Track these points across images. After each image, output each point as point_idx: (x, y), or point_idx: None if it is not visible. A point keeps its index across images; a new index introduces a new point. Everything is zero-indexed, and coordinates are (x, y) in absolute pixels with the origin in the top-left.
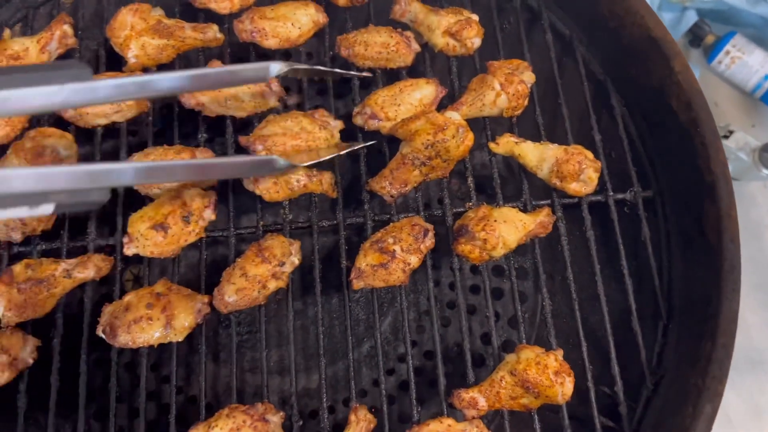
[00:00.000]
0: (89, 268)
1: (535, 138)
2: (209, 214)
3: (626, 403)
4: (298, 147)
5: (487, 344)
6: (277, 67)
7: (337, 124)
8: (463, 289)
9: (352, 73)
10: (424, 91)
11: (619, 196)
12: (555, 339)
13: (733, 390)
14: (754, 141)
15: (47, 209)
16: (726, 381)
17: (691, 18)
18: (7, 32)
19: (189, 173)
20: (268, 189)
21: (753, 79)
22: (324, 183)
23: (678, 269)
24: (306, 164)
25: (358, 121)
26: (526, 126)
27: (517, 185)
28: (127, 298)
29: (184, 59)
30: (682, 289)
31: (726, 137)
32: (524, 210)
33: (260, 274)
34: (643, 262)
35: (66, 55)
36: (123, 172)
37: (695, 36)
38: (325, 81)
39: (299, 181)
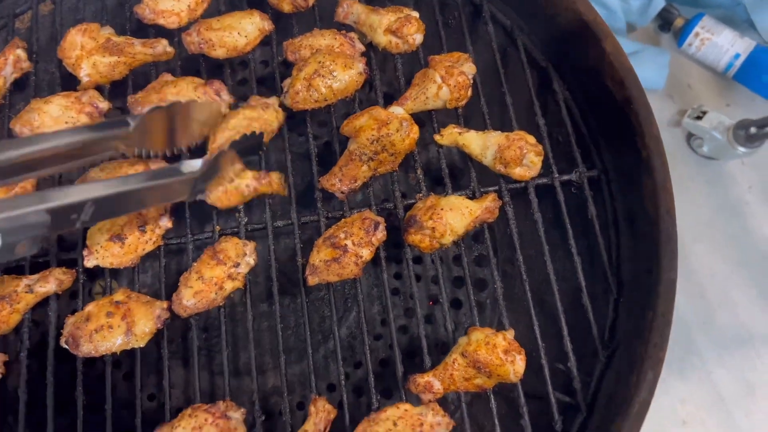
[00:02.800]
0: (51, 282)
1: (484, 128)
2: (165, 222)
3: (580, 377)
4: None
5: (456, 333)
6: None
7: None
8: (425, 279)
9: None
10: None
11: (565, 177)
12: (510, 319)
13: (724, 368)
14: (727, 119)
15: None
16: (666, 348)
17: (659, 3)
18: None
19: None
20: (219, 198)
21: (724, 58)
22: (273, 183)
23: (625, 245)
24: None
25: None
26: (475, 117)
27: (456, 176)
28: (88, 308)
29: (139, 75)
30: (629, 263)
31: (699, 118)
32: (472, 197)
33: (216, 276)
34: (594, 240)
35: (22, 79)
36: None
37: (664, 20)
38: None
39: (249, 185)
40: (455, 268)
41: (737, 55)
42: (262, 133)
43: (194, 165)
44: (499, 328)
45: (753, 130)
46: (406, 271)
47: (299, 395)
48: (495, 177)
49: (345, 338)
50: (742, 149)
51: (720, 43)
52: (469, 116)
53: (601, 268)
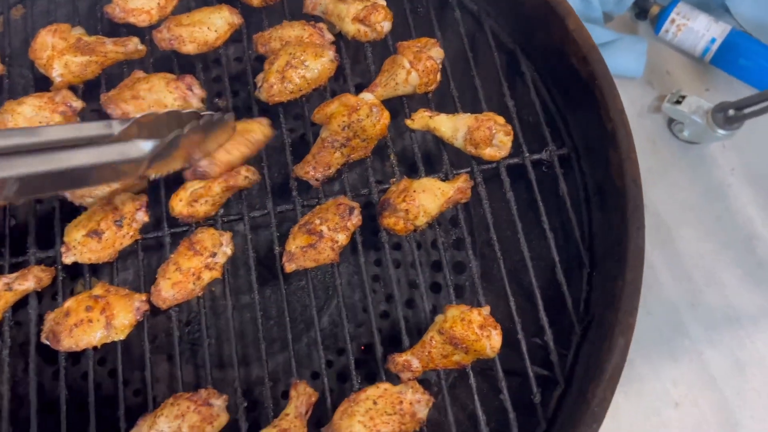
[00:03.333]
0: (29, 280)
1: (455, 112)
2: (141, 216)
3: (557, 350)
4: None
5: (433, 314)
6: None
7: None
8: (405, 264)
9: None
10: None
11: (536, 156)
12: (490, 299)
13: (714, 348)
14: (706, 103)
15: None
16: (636, 314)
17: None
18: None
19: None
20: (198, 211)
21: (700, 43)
22: (240, 180)
23: (596, 219)
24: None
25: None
26: (446, 102)
27: (429, 160)
28: (67, 303)
29: (112, 74)
30: (601, 237)
31: (678, 103)
32: (445, 179)
33: (193, 266)
34: (566, 217)
35: None
36: None
37: (640, 8)
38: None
39: (221, 197)
40: (434, 252)
41: (713, 40)
42: (228, 113)
43: (144, 147)
44: (476, 306)
45: (731, 112)
46: (384, 258)
47: (284, 384)
48: (468, 159)
49: (327, 326)
50: (722, 132)
51: (696, 29)
52: (441, 101)
53: (573, 243)
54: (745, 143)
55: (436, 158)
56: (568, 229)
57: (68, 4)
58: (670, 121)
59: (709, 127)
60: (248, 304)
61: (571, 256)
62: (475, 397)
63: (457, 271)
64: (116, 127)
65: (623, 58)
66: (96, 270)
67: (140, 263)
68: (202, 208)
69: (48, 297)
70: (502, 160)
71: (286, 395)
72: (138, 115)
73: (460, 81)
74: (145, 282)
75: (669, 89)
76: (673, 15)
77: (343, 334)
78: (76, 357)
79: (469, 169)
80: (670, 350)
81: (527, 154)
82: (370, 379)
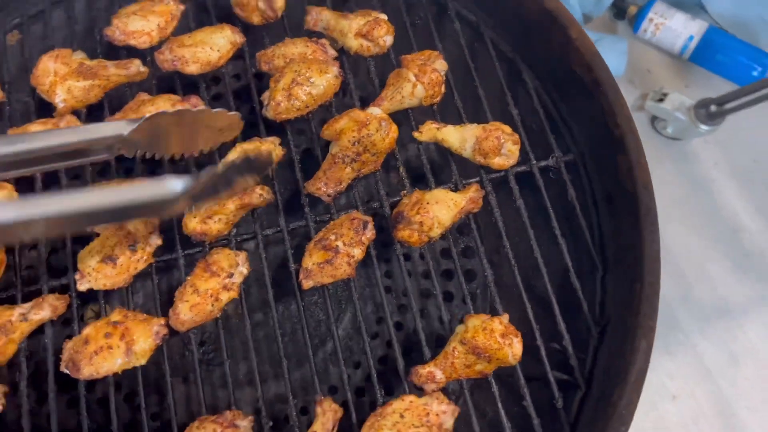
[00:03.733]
0: (45, 309)
1: (460, 122)
2: (155, 240)
3: (576, 354)
4: None
5: (451, 324)
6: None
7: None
8: (415, 275)
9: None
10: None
11: (543, 163)
12: (502, 306)
13: (707, 341)
14: (688, 100)
15: None
16: (656, 317)
17: None
18: None
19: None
20: (211, 228)
21: (678, 41)
22: (254, 199)
23: (606, 223)
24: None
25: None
26: (449, 112)
27: (438, 171)
28: (86, 331)
29: (114, 97)
30: (611, 240)
31: (661, 100)
32: (455, 190)
33: (211, 287)
34: (575, 222)
35: None
36: None
37: (618, 9)
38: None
39: (235, 215)
40: (443, 261)
41: (691, 37)
42: (269, 154)
43: (176, 184)
44: (493, 314)
45: (713, 108)
46: (397, 270)
47: (302, 400)
48: (475, 169)
49: (342, 339)
50: (704, 127)
51: (674, 27)
52: (444, 112)
53: (584, 248)
54: (726, 137)
55: (440, 168)
56: (577, 234)
57: (64, 28)
58: (653, 119)
59: (692, 124)
60: (259, 321)
61: (582, 261)
62: (499, 404)
63: (468, 279)
64: (126, 128)
65: (605, 58)
66: (106, 295)
67: (155, 287)
68: (215, 226)
69: (58, 324)
70: (510, 168)
71: (304, 411)
72: (147, 115)
73: (462, 91)
74: (159, 305)
75: (650, 87)
76: (650, 14)
77: (356, 348)
78: (90, 383)
79: (477, 179)
80: (665, 344)
81: (534, 162)
82: (389, 391)
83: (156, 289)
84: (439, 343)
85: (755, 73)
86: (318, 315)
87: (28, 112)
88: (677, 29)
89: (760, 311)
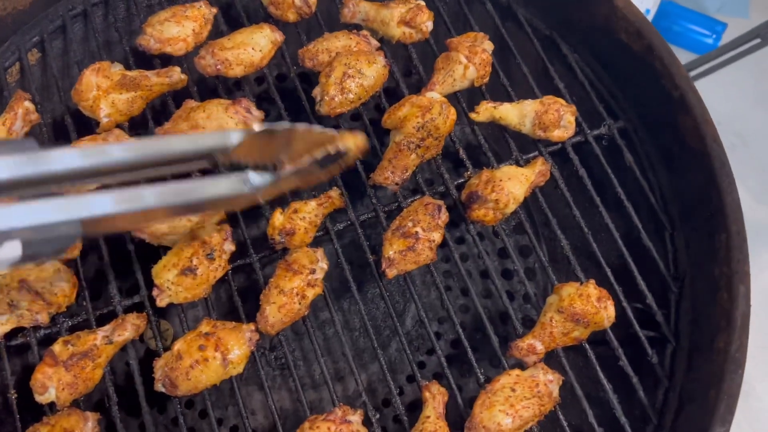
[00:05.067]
0: (128, 330)
1: (507, 101)
2: (229, 246)
3: (660, 311)
4: None
5: (512, 300)
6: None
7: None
8: (472, 255)
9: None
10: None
11: (596, 132)
12: (557, 278)
13: None
14: None
15: (13, 250)
16: (749, 262)
17: None
18: None
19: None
20: (297, 225)
21: None
22: (335, 200)
23: (665, 183)
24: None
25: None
26: (497, 92)
27: (493, 149)
28: (176, 346)
29: (153, 107)
30: (675, 199)
31: None
32: (516, 165)
33: (296, 286)
34: (633, 186)
35: (30, 133)
36: (93, 201)
37: None
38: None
39: (317, 215)
40: (497, 240)
41: (647, 11)
42: (344, 152)
43: (261, 180)
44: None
45: None
46: (455, 253)
47: (382, 393)
48: (531, 143)
49: (412, 329)
50: None
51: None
52: (491, 92)
53: (646, 210)
54: None
55: (475, 149)
56: (636, 197)
57: (83, 43)
58: None
59: None
60: (326, 320)
61: (644, 222)
62: (597, 367)
63: (524, 255)
64: (235, 138)
65: None
66: (161, 313)
67: (234, 294)
68: (301, 223)
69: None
70: (567, 140)
71: (386, 403)
72: (256, 127)
73: (505, 71)
74: (226, 311)
75: None
76: None
77: (427, 335)
78: (162, 405)
79: (536, 153)
80: None
81: (588, 131)
82: (464, 374)
83: (236, 296)
84: (503, 320)
85: (709, 41)
86: (383, 307)
87: (67, 131)
88: (634, 2)
89: None
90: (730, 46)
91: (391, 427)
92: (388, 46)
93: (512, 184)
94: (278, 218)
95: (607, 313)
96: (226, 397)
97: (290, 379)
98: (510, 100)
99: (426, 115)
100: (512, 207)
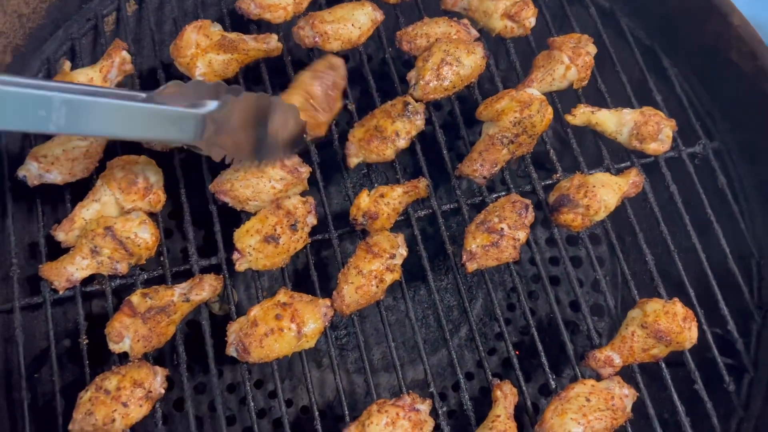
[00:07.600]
0: (205, 289)
1: (602, 107)
2: (311, 220)
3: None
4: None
5: (576, 311)
6: None
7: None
8: (543, 261)
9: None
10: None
11: (690, 150)
12: (637, 292)
13: None
14: None
15: None
16: None
17: None
18: (67, 64)
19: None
20: (382, 210)
21: None
22: (421, 191)
23: (757, 209)
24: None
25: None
26: (592, 97)
27: (571, 155)
28: (252, 312)
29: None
30: (766, 226)
31: None
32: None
33: (375, 269)
34: (724, 209)
35: (123, 83)
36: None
37: None
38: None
39: (401, 201)
40: (570, 248)
41: None
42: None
43: (207, 105)
44: (630, 305)
45: None
46: (522, 255)
47: (440, 386)
48: (623, 152)
49: (475, 325)
50: None
51: None
52: (586, 96)
53: (733, 235)
54: None
55: (565, 152)
56: (724, 220)
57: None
58: None
59: None
60: (390, 306)
61: (731, 247)
62: (671, 387)
63: (600, 265)
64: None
65: None
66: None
67: (312, 268)
68: (385, 209)
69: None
70: (661, 154)
71: (443, 397)
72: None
73: (603, 77)
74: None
75: None
76: None
77: (490, 333)
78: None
79: (629, 163)
80: None
81: (683, 148)
82: (527, 379)
83: (313, 269)
84: (570, 329)
85: None
86: (448, 301)
87: (157, 85)
88: None
89: None
90: None
91: (453, 421)
92: (489, 38)
93: (605, 191)
94: (364, 200)
95: (690, 334)
96: (282, 370)
97: (348, 361)
98: (606, 106)
99: (524, 111)
100: (602, 215)
